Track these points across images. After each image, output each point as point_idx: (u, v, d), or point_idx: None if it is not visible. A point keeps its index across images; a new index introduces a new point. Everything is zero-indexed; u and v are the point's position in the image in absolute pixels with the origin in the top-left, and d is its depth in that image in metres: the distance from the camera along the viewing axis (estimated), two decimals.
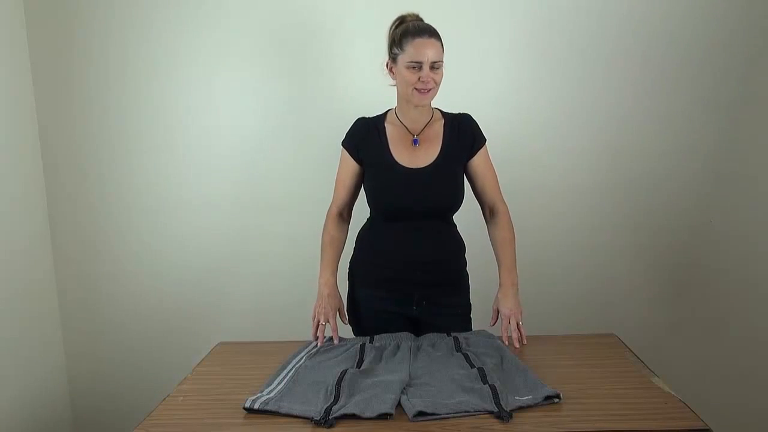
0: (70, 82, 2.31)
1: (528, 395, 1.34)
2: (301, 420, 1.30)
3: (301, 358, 1.60)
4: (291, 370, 1.53)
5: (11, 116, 2.22)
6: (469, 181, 1.79)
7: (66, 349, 2.47)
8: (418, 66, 1.61)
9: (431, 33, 1.63)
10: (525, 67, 2.25)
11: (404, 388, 1.37)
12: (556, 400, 1.33)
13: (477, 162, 1.75)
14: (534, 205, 2.30)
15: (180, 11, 2.26)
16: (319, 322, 1.72)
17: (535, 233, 2.28)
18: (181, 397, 1.46)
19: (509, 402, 1.31)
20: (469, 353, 1.55)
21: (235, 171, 2.35)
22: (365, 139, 1.75)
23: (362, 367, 1.50)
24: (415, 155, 1.71)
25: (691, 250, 2.32)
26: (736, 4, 2.17)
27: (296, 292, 2.21)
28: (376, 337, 1.66)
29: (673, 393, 1.37)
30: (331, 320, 1.72)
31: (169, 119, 2.33)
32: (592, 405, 1.33)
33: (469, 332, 1.72)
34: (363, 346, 1.62)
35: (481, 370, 1.43)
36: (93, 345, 2.47)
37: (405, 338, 1.64)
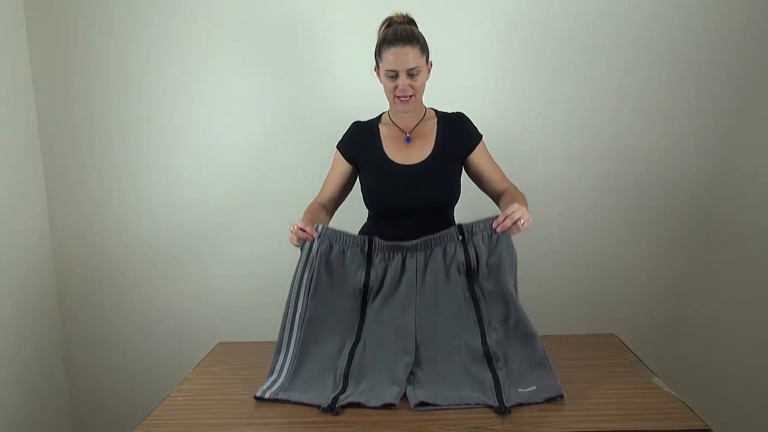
0: (70, 81, 2.31)
1: (532, 385, 1.36)
2: (301, 420, 1.31)
3: (302, 306, 1.57)
4: (295, 333, 1.53)
5: (11, 116, 2.22)
6: (475, 181, 1.79)
7: (66, 349, 2.47)
8: (394, 74, 1.62)
9: (407, 40, 1.60)
10: (524, 65, 2.24)
11: (410, 376, 1.40)
12: (558, 399, 1.34)
13: (478, 159, 1.76)
14: (534, 204, 2.26)
15: (180, 12, 2.25)
16: (299, 228, 1.60)
17: (534, 232, 2.26)
18: (181, 397, 1.47)
19: (511, 396, 1.33)
20: (479, 298, 1.49)
21: (235, 171, 2.34)
22: (360, 142, 1.77)
23: (365, 323, 1.51)
24: (409, 152, 1.73)
25: (691, 249, 2.32)
26: (738, 4, 2.17)
27: None
28: (377, 253, 1.55)
29: (673, 393, 1.37)
30: (308, 228, 1.59)
31: (169, 120, 2.32)
32: (592, 405, 1.33)
33: (474, 225, 1.57)
34: (367, 276, 1.54)
35: (487, 354, 1.43)
36: (93, 345, 2.46)
37: (409, 252, 1.54)
